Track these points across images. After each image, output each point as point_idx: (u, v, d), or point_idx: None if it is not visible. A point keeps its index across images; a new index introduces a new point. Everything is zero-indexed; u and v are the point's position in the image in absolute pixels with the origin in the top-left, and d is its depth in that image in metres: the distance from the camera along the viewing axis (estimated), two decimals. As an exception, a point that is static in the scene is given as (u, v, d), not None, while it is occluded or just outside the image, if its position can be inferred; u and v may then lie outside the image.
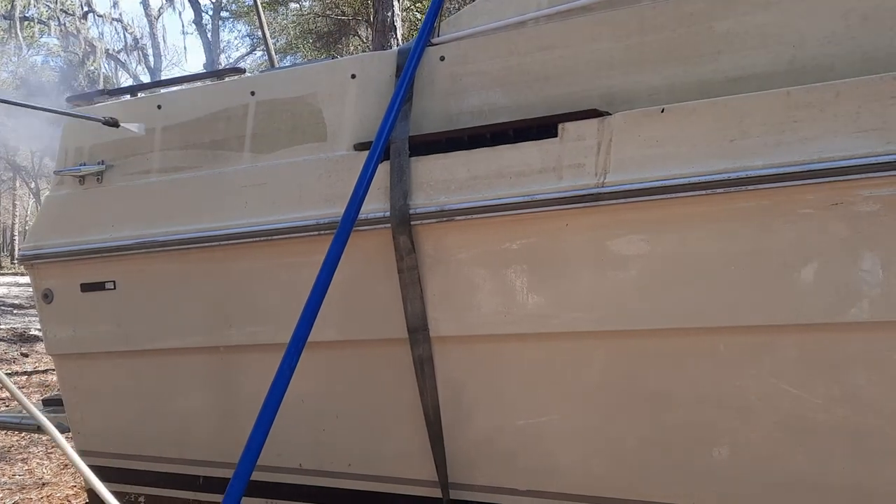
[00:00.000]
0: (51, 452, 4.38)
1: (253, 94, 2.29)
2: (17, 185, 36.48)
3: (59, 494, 3.67)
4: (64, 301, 2.46)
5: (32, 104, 2.50)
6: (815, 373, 1.71)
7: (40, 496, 3.65)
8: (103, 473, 2.56)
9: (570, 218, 1.82)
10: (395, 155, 2.00)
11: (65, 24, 25.16)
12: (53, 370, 4.05)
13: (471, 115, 2.05)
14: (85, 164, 2.43)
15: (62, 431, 2.68)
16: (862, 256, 1.61)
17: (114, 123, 2.24)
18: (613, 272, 1.82)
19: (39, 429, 2.76)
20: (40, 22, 25.61)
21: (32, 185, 34.45)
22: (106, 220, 2.37)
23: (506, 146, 1.90)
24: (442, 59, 2.12)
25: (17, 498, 3.62)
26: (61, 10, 24.66)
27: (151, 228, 2.29)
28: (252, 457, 1.72)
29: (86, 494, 2.70)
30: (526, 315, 1.91)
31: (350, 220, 1.89)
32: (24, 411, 3.03)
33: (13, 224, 36.20)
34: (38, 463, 4.21)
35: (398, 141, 2.01)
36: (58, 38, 27.17)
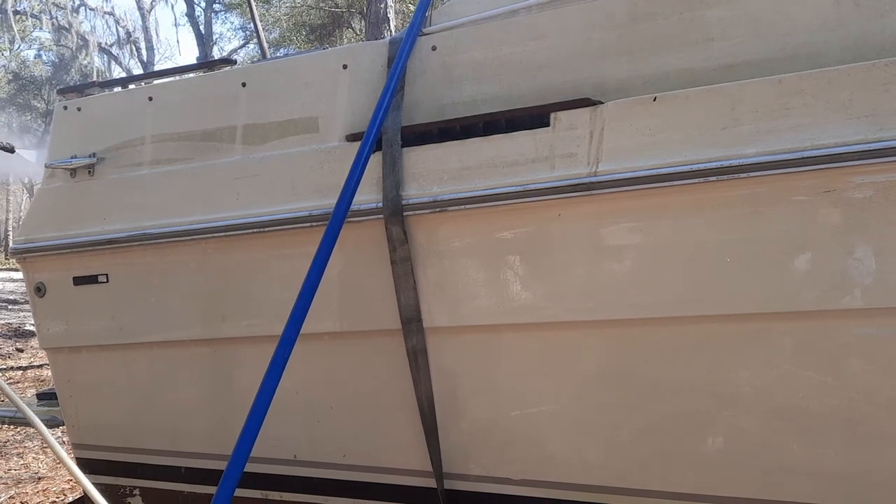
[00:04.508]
0: (46, 447, 4.38)
1: (244, 85, 2.28)
2: (11, 179, 36.33)
3: (54, 489, 3.67)
4: (57, 295, 2.45)
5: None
6: (809, 360, 1.71)
7: (36, 490, 3.65)
8: (98, 467, 2.57)
9: (562, 207, 1.82)
10: (387, 145, 1.99)
11: (56, 18, 25.05)
12: (48, 365, 4.05)
13: (463, 105, 2.04)
14: (76, 157, 2.42)
15: (56, 425, 2.68)
16: (855, 243, 1.61)
17: None
18: (606, 261, 1.82)
19: (34, 423, 2.77)
20: (32, 16, 25.49)
21: (26, 179, 34.32)
22: (98, 213, 2.36)
23: (498, 136, 1.89)
24: (434, 48, 2.11)
25: (12, 492, 3.62)
26: (53, 3, 24.55)
27: (144, 221, 2.28)
28: (245, 448, 1.72)
29: (81, 489, 2.70)
30: (519, 305, 1.91)
31: (342, 212, 1.89)
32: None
33: (7, 219, 36.09)
34: (33, 457, 4.21)
35: (390, 131, 2.00)
36: (50, 32, 27.05)
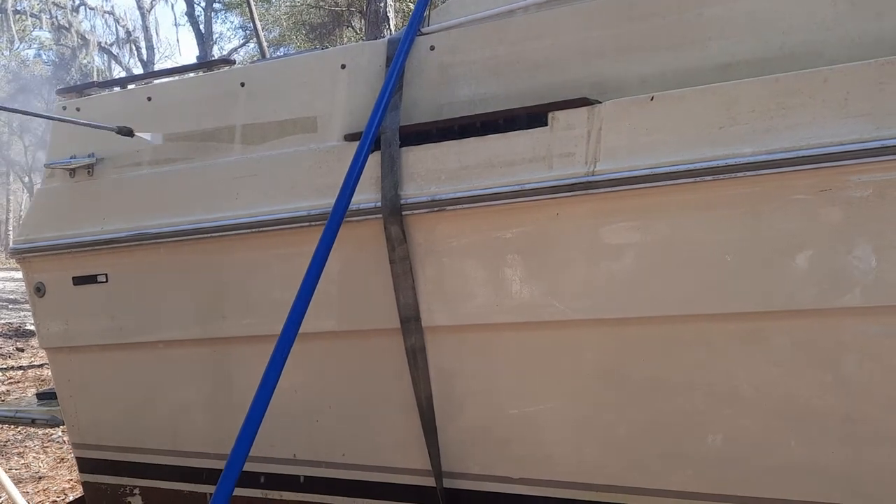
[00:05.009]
0: (46, 446, 4.39)
1: (243, 84, 2.28)
2: (11, 179, 36.37)
3: (55, 488, 3.68)
4: (56, 295, 2.46)
5: None
6: (807, 358, 1.72)
7: (37, 490, 3.66)
8: (98, 466, 2.58)
9: (560, 207, 1.82)
10: (385, 145, 1.99)
11: (56, 18, 25.05)
12: (48, 365, 4.07)
13: (461, 105, 2.04)
14: (75, 157, 2.42)
15: (56, 425, 2.69)
16: (852, 242, 1.61)
17: None
18: (604, 261, 1.82)
19: (35, 422, 2.78)
20: (32, 15, 25.49)
21: (26, 179, 34.34)
22: (97, 212, 2.37)
23: (496, 136, 1.89)
24: (432, 48, 2.11)
25: (13, 492, 3.62)
26: (53, 2, 24.54)
27: (143, 221, 2.28)
28: (244, 447, 1.72)
29: (81, 488, 2.70)
30: (518, 304, 1.91)
31: (341, 211, 1.89)
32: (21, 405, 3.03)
33: (7, 219, 36.10)
34: (34, 457, 4.21)
35: (388, 131, 2.00)
36: (49, 32, 27.06)
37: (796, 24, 1.74)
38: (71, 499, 3.44)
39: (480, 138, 1.91)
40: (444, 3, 2.23)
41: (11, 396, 5.71)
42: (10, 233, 33.98)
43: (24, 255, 2.46)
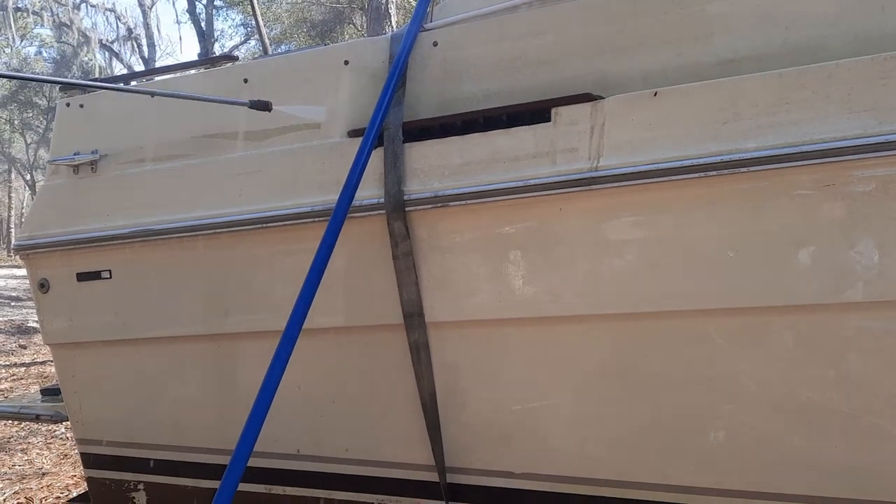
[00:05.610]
0: (50, 443, 4.40)
1: (246, 81, 2.28)
2: (13, 177, 36.42)
3: (58, 484, 3.69)
4: (60, 291, 2.46)
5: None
6: (810, 353, 1.72)
7: (40, 486, 3.67)
8: (102, 462, 2.58)
9: (564, 202, 1.82)
10: (388, 141, 1.99)
11: (57, 15, 25.06)
12: (52, 362, 4.08)
13: (464, 101, 2.05)
14: (79, 154, 2.43)
15: (60, 421, 2.70)
16: (855, 237, 1.61)
17: None
18: (608, 256, 1.82)
19: (38, 418, 2.79)
20: (33, 13, 25.50)
21: (28, 176, 34.38)
22: (101, 209, 2.37)
23: (499, 131, 1.89)
24: (435, 44, 2.11)
25: (17, 488, 3.64)
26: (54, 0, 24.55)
27: (146, 217, 2.29)
28: (249, 443, 1.73)
29: (85, 484, 2.71)
30: (521, 300, 1.91)
31: (344, 207, 1.90)
32: (24, 401, 3.04)
33: (9, 216, 36.16)
34: (37, 453, 4.23)
35: (392, 127, 2.00)
36: (51, 29, 27.08)
37: (799, 19, 1.74)
38: (74, 495, 3.45)
39: (483, 134, 1.91)
40: (446, -1, 2.23)
41: (15, 393, 5.73)
42: (13, 230, 34.02)
43: (27, 251, 2.47)
